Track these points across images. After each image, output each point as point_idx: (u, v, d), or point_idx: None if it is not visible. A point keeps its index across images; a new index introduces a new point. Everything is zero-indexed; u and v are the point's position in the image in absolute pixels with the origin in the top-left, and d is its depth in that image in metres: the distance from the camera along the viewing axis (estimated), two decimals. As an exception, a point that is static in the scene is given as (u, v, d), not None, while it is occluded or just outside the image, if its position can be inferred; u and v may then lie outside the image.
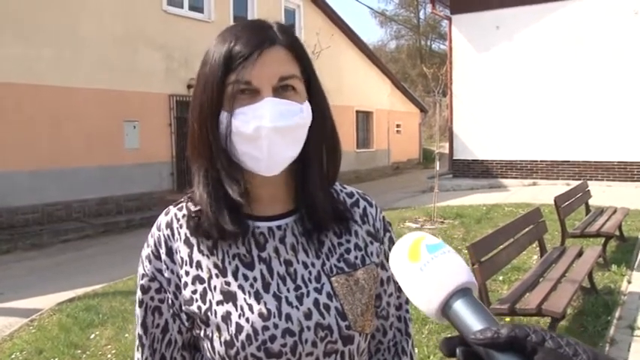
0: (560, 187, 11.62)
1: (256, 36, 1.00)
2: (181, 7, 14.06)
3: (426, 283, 0.69)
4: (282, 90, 1.00)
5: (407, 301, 1.20)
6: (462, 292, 0.67)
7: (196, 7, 14.49)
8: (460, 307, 0.66)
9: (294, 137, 1.02)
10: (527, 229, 5.42)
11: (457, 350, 0.64)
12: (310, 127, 1.04)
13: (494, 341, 0.60)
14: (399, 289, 1.18)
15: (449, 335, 0.67)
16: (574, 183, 10.82)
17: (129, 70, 12.59)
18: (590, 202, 8.73)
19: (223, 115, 1.00)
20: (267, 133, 0.97)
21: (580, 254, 5.62)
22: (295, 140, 1.02)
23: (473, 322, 0.64)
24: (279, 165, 1.02)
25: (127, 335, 5.00)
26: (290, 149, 1.02)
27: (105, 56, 12.07)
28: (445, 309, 0.67)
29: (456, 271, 0.69)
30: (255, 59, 0.98)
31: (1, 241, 9.73)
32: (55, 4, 11.28)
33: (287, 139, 1.00)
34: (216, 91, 1.00)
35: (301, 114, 1.02)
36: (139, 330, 1.09)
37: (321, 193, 1.08)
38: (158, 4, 13.36)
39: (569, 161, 14.84)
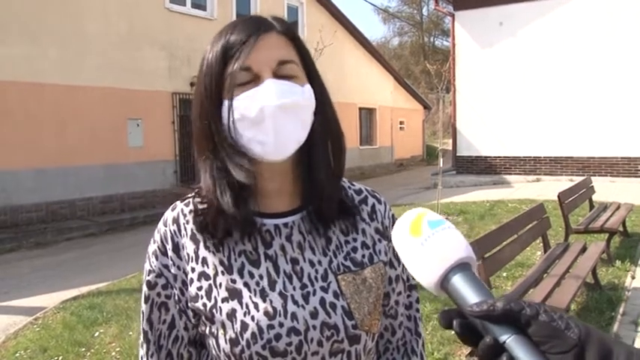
0: (564, 183, 11.62)
1: (251, 24, 1.01)
2: (184, 4, 14.06)
3: (427, 257, 0.71)
4: (282, 74, 1.00)
5: (417, 300, 1.20)
6: (461, 266, 0.69)
7: (199, 4, 14.50)
8: (458, 281, 0.68)
9: (299, 117, 1.00)
10: (530, 225, 5.41)
11: (454, 322, 0.66)
12: (314, 118, 1.04)
13: (490, 313, 0.62)
14: (408, 288, 1.17)
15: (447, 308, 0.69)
16: (578, 179, 10.77)
17: (132, 68, 12.61)
18: (594, 197, 8.70)
19: (225, 105, 1.00)
20: (272, 112, 0.97)
21: (584, 250, 5.62)
22: (301, 121, 1.01)
23: (470, 295, 0.66)
24: (287, 147, 1.00)
25: (130, 333, 5.01)
26: (296, 131, 1.00)
27: (108, 54, 12.08)
28: (444, 283, 0.69)
29: (456, 246, 0.71)
30: (253, 44, 0.98)
31: (5, 239, 9.76)
32: (59, 3, 11.30)
33: (292, 118, 0.99)
34: (215, 83, 0.99)
35: (303, 94, 1.01)
36: (144, 326, 1.08)
37: (328, 181, 1.07)
38: (161, 2, 13.36)
39: (572, 157, 14.80)
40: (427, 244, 0.71)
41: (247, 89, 0.98)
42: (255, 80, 0.99)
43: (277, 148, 0.99)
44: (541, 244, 5.96)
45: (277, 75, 0.99)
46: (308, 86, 1.03)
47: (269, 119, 0.97)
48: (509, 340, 0.61)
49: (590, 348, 0.59)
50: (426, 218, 0.74)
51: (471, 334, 0.65)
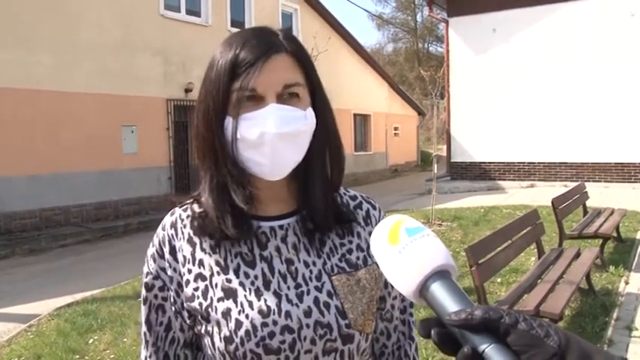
0: (558, 188, 11.65)
1: (262, 43, 1.01)
2: (179, 11, 14.07)
3: (404, 265, 0.69)
4: (286, 97, 1.01)
5: (411, 305, 1.22)
6: (440, 274, 0.68)
7: (194, 11, 14.51)
8: (437, 289, 0.67)
9: (298, 142, 1.03)
10: (524, 231, 5.42)
11: (432, 331, 0.64)
12: (314, 132, 1.06)
13: (468, 322, 0.61)
14: None
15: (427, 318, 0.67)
16: (572, 184, 10.83)
17: (127, 74, 12.60)
18: (588, 203, 8.73)
19: (228, 121, 1.01)
20: (270, 139, 0.99)
21: (578, 255, 5.63)
22: (298, 145, 1.03)
23: (449, 303, 0.65)
24: (283, 170, 1.03)
25: (125, 340, 5.00)
26: (293, 154, 1.03)
27: (103, 61, 12.08)
28: (423, 291, 0.68)
29: (434, 254, 0.69)
30: (261, 66, 0.99)
31: (-1, 246, 9.72)
32: (54, 10, 11.30)
33: (290, 144, 1.01)
34: (222, 97, 1.01)
35: (304, 120, 1.03)
36: (144, 327, 1.12)
37: (323, 195, 1.09)
38: (155, 9, 13.37)
39: (566, 163, 14.86)
40: (405, 252, 0.70)
41: (250, 109, 1.00)
42: (259, 101, 1.00)
43: (273, 171, 1.03)
44: (535, 250, 5.97)
45: (281, 97, 1.01)
46: (310, 110, 1.05)
47: (268, 145, 0.99)
48: (488, 349, 0.60)
49: (570, 356, 0.59)
50: (404, 225, 0.73)
51: (450, 343, 0.64)
